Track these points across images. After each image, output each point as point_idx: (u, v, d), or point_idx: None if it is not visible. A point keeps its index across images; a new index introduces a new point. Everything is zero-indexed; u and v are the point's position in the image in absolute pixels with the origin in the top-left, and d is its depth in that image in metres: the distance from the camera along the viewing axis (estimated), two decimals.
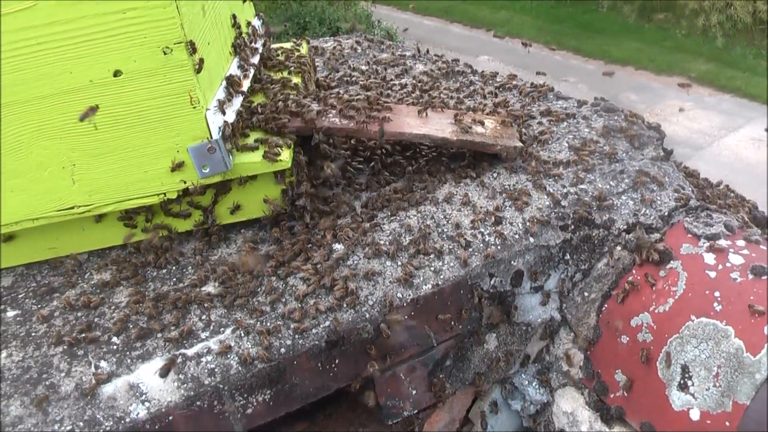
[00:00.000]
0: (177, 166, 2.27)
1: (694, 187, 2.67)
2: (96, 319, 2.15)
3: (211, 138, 2.23)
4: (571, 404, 2.48)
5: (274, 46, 3.27)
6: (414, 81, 3.50)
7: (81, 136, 2.21)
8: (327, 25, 16.95)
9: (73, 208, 2.30)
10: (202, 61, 2.19)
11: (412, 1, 24.69)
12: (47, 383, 1.95)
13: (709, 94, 17.02)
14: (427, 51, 4.00)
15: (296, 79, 2.90)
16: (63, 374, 1.97)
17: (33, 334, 2.13)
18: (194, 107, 2.19)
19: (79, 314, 2.19)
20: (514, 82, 3.44)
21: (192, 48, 2.14)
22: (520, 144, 2.71)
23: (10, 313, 2.24)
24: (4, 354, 2.06)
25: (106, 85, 2.15)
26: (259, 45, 2.95)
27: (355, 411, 2.49)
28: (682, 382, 2.16)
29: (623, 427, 2.35)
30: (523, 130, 2.93)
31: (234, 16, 2.75)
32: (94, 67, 2.12)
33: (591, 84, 17.39)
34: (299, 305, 2.14)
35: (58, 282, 2.35)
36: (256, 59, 2.83)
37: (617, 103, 3.13)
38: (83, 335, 2.09)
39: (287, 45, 3.31)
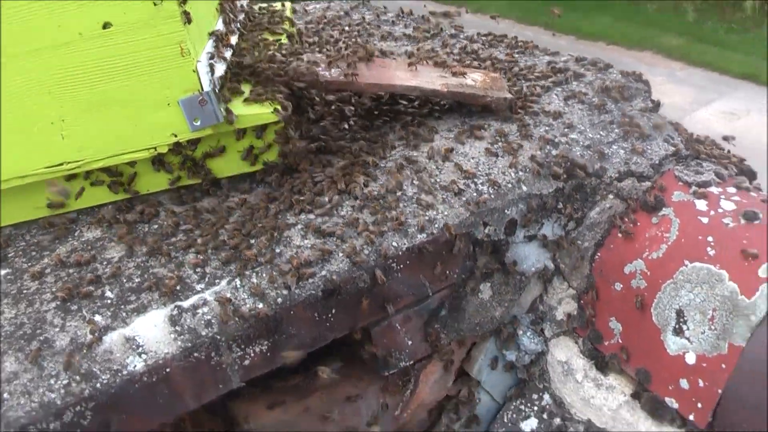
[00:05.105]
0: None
1: (683, 138, 2.67)
2: (89, 275, 2.13)
3: (202, 90, 2.21)
4: (565, 353, 2.49)
5: (257, 6, 3.25)
6: (401, 40, 3.50)
7: (70, 91, 2.18)
8: None
9: (62, 164, 2.27)
10: (189, 13, 2.17)
11: None
12: (41, 338, 1.93)
13: (680, 69, 16.99)
14: (411, 12, 3.99)
15: (282, 38, 2.89)
16: (57, 329, 1.95)
17: (25, 291, 2.11)
18: (185, 58, 2.17)
19: (71, 271, 2.17)
20: (500, 39, 3.44)
21: None
22: (510, 95, 2.71)
23: (2, 272, 2.21)
24: None
25: (96, 38, 2.12)
26: (244, 3, 2.94)
27: (350, 364, 2.49)
28: (677, 326, 2.17)
29: (618, 374, 2.36)
30: (512, 82, 2.93)
31: None
32: (83, 20, 2.09)
33: None
34: (295, 256, 2.13)
35: (48, 240, 2.33)
36: (241, 17, 2.82)
37: None
38: (76, 290, 2.07)
39: (273, 4, 3.29)
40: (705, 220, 2.26)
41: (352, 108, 2.91)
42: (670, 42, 18.06)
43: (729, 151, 2.76)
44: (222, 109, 2.27)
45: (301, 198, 2.34)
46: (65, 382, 1.82)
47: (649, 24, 19.16)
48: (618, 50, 18.60)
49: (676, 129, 2.72)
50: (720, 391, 2.05)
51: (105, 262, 2.18)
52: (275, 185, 2.45)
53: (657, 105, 2.80)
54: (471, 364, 2.62)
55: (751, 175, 2.64)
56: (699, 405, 2.11)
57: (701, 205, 2.31)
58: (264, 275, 2.07)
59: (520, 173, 2.39)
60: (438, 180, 2.38)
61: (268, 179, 2.47)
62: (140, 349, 1.90)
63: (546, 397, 2.55)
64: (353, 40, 3.53)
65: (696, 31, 18.34)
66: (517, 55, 3.23)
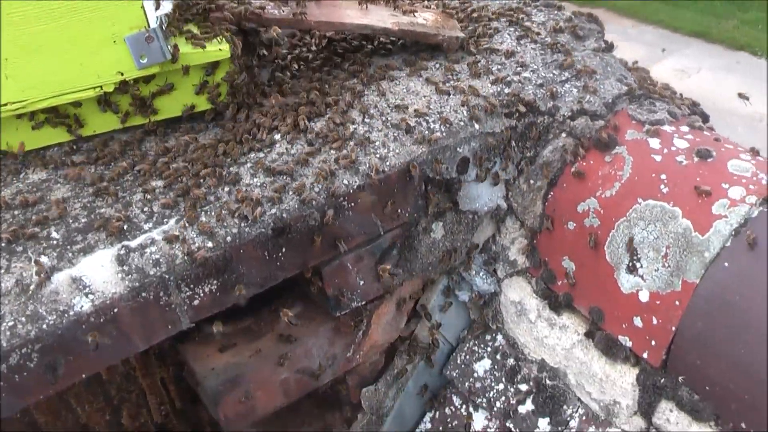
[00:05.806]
0: None
1: (636, 78, 2.67)
2: (34, 216, 2.09)
3: (149, 27, 2.16)
4: (518, 293, 2.49)
5: None
6: None
7: (13, 29, 2.12)
8: None
9: (6, 104, 2.22)
10: None
11: None
12: None
13: (632, 26, 17.01)
14: None
15: None
16: (2, 271, 1.91)
17: None
18: None
19: (17, 212, 2.13)
20: None
21: None
22: (461, 34, 2.69)
23: None
24: None
25: None
26: None
27: (302, 305, 2.47)
28: (630, 264, 2.17)
29: (572, 313, 2.36)
30: (464, 23, 2.91)
31: None
32: None
33: None
34: (244, 193, 2.10)
35: None
36: None
37: None
38: (22, 231, 2.02)
39: None
40: (658, 158, 2.26)
41: (302, 47, 2.88)
42: None
43: (681, 95, 2.75)
44: (169, 47, 2.23)
45: (250, 137, 2.31)
46: (11, 323, 1.79)
47: None
48: (570, 7, 18.57)
49: (629, 69, 2.71)
50: (674, 328, 2.06)
51: (51, 204, 2.14)
52: (227, 124, 2.41)
53: (610, 46, 2.79)
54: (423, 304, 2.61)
55: (704, 117, 2.64)
56: (653, 343, 2.11)
57: (654, 143, 2.30)
58: (213, 213, 2.05)
59: (472, 111, 2.36)
60: (389, 118, 2.35)
61: (219, 119, 2.43)
62: (87, 289, 1.88)
63: (499, 337, 2.56)
64: None
65: None
66: None
